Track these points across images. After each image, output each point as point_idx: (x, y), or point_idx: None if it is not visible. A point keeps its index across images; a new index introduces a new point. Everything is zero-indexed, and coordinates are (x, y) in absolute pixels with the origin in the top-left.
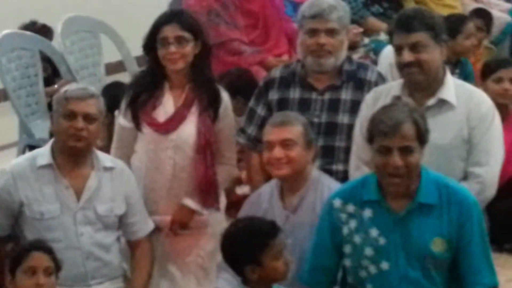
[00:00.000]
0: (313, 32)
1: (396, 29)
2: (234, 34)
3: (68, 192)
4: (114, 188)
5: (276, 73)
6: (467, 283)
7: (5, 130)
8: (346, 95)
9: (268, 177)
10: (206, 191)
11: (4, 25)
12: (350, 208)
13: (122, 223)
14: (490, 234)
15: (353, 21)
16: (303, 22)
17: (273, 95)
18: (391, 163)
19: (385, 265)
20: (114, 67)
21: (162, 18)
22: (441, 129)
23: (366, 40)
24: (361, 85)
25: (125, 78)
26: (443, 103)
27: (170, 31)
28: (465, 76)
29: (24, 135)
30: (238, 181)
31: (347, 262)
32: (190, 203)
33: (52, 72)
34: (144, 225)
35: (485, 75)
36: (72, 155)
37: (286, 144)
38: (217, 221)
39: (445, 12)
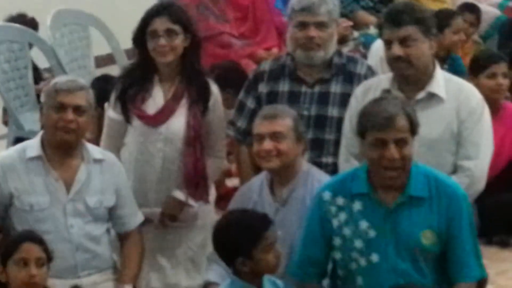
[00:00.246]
0: (303, 25)
1: (386, 23)
2: (224, 27)
3: (57, 184)
4: (104, 180)
5: (266, 66)
6: (456, 276)
7: None
8: (335, 88)
9: (257, 170)
10: (196, 183)
11: None
12: (340, 200)
13: (111, 215)
14: (480, 227)
15: (343, 15)
16: (293, 15)
17: (263, 88)
18: (388, 156)
19: (375, 258)
20: (104, 60)
21: (152, 11)
22: (431, 123)
23: (356, 34)
24: (351, 79)
25: (114, 71)
26: (432, 97)
27: (160, 23)
28: (455, 71)
29: (14, 127)
30: (228, 174)
31: (337, 255)
32: (180, 195)
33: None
34: (133, 217)
35: (475, 71)
36: (61, 147)
37: (276, 136)
38: (207, 214)
39: (435, 6)
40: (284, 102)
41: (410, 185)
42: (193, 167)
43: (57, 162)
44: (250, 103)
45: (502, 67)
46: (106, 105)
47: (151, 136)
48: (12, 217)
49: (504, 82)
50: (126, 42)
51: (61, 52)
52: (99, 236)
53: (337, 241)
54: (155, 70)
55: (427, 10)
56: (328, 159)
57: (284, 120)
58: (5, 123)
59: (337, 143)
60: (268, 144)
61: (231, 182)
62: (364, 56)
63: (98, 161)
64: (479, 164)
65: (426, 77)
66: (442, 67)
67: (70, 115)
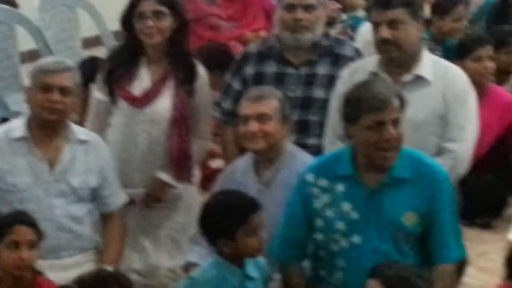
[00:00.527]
0: (291, 8)
1: (374, 6)
2: (212, 9)
3: (42, 164)
4: (88, 161)
5: (253, 48)
6: (436, 256)
7: None
8: (322, 70)
9: (242, 151)
10: (180, 164)
11: None
12: (323, 182)
13: (95, 195)
14: (462, 209)
15: None
16: None
17: (249, 70)
18: (387, 137)
19: (356, 239)
20: (92, 42)
21: None
22: (417, 105)
23: (344, 16)
24: (338, 61)
25: (102, 52)
26: (419, 79)
27: (148, 5)
28: (448, 55)
29: None
30: (212, 155)
31: (319, 236)
32: (164, 176)
33: None
34: (117, 198)
35: (462, 54)
36: (47, 128)
37: (261, 118)
38: (191, 195)
39: None
40: (270, 83)
41: (394, 166)
42: (178, 148)
43: (42, 143)
44: (236, 85)
45: (488, 50)
46: (92, 86)
47: (136, 117)
48: None
49: (490, 65)
50: (114, 23)
51: (48, 34)
52: (82, 217)
53: (319, 222)
54: (142, 51)
55: None
56: (313, 141)
57: (270, 101)
58: None
59: (322, 124)
60: (253, 126)
61: (216, 163)
62: (352, 39)
63: (83, 141)
64: (464, 147)
65: (413, 60)
66: (435, 50)
67: (56, 95)
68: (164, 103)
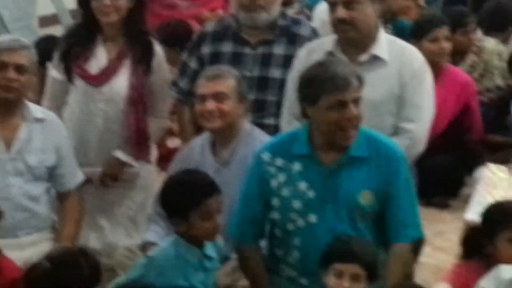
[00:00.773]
0: None
1: None
2: None
3: None
4: (44, 139)
5: (210, 27)
6: (393, 235)
7: None
8: (278, 49)
9: (199, 130)
10: (137, 143)
11: None
12: (279, 161)
13: (52, 174)
14: (419, 188)
15: None
16: None
17: (206, 49)
18: (349, 116)
19: (312, 218)
20: (48, 20)
21: None
22: (373, 85)
23: None
24: (294, 40)
25: (59, 31)
26: (375, 59)
27: None
28: (399, 35)
29: None
30: (170, 133)
31: (275, 215)
32: (121, 155)
33: None
34: (74, 177)
35: (418, 35)
36: (2, 106)
37: (218, 97)
38: (148, 173)
39: None
40: (227, 63)
41: (352, 145)
42: (135, 127)
43: None
44: (193, 64)
45: (444, 31)
46: (49, 64)
47: (93, 96)
48: None
49: (447, 45)
50: (71, 2)
51: (5, 12)
52: (38, 196)
53: (275, 201)
54: (99, 30)
55: None
56: (270, 121)
57: (227, 80)
58: None
59: (279, 104)
60: (210, 104)
61: (173, 142)
62: (309, 18)
63: (39, 120)
64: (420, 126)
65: (369, 40)
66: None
67: (11, 73)
68: (121, 82)
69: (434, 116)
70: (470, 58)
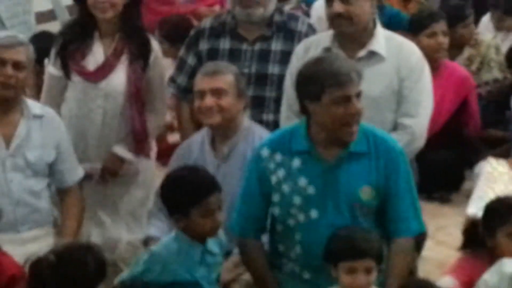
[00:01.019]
0: None
1: None
2: None
3: None
4: (44, 135)
5: (207, 23)
6: (394, 230)
7: None
8: (276, 46)
9: (198, 127)
10: (137, 139)
11: None
12: (278, 157)
13: (51, 170)
14: (420, 183)
15: None
16: None
17: (203, 45)
18: (353, 111)
19: (314, 213)
20: (45, 16)
21: None
22: (372, 81)
23: None
24: (291, 36)
25: (55, 27)
26: (373, 55)
27: None
28: (386, 21)
29: None
30: (171, 128)
31: (276, 211)
32: (120, 151)
33: None
34: (74, 173)
35: (416, 30)
36: (0, 103)
37: (217, 92)
38: (148, 169)
39: None
40: (224, 59)
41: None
42: (134, 122)
43: None
44: (191, 60)
45: (442, 26)
46: (45, 61)
47: (91, 92)
48: None
49: (444, 40)
50: None
51: (1, 8)
52: (39, 191)
53: (276, 197)
54: (96, 26)
55: None
56: (269, 117)
57: (226, 76)
58: None
59: (277, 100)
60: (209, 100)
61: (173, 138)
62: (307, 14)
63: (38, 116)
64: (419, 122)
65: (366, 35)
66: None
67: (9, 70)
68: (119, 78)
69: (433, 111)
70: (467, 51)
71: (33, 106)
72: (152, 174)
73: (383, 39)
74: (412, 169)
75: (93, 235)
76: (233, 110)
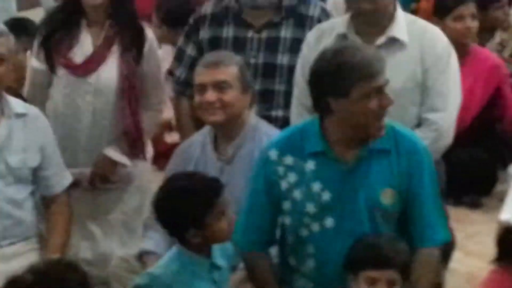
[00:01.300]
0: None
1: None
2: None
3: None
4: (27, 137)
5: (207, 9)
6: (419, 239)
7: None
8: (285, 33)
9: (200, 124)
10: (130, 140)
11: None
12: (289, 160)
13: (36, 176)
14: (447, 186)
15: None
16: None
17: (204, 34)
18: (386, 103)
19: (329, 222)
20: (28, 2)
21: None
22: (393, 71)
23: None
24: (302, 22)
25: (39, 14)
26: (394, 42)
27: None
28: None
29: None
30: (169, 127)
31: (286, 220)
32: (112, 153)
33: None
34: (61, 179)
35: (441, 13)
36: None
37: (220, 86)
38: (143, 173)
39: None
40: (228, 49)
41: None
42: (127, 121)
43: None
44: (191, 51)
45: (470, 8)
46: (28, 53)
47: (79, 87)
48: None
49: (473, 24)
50: None
51: None
52: (21, 200)
53: (286, 205)
54: (83, 13)
55: None
56: (278, 113)
57: (229, 67)
58: None
59: (288, 94)
60: (211, 95)
61: (171, 138)
62: None
63: (20, 115)
64: (446, 117)
65: (386, 20)
66: None
67: None
68: (110, 71)
69: (461, 104)
70: (500, 36)
71: (15, 103)
72: (147, 179)
73: (404, 24)
74: (439, 170)
75: (82, 250)
76: (237, 106)
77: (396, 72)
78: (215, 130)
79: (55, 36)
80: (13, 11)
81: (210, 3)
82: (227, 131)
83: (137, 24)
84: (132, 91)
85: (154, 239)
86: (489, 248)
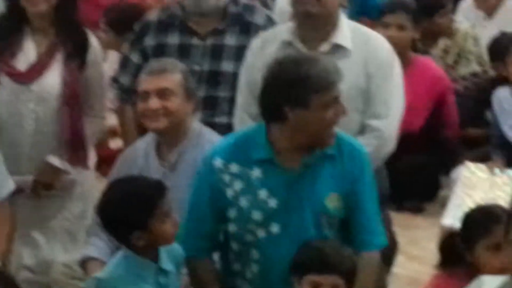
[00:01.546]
0: None
1: None
2: None
3: None
4: None
5: (153, 16)
6: (360, 243)
7: None
8: (230, 40)
9: (143, 131)
10: (73, 147)
11: None
12: (234, 167)
13: None
14: (390, 192)
15: None
16: None
17: (149, 41)
18: (341, 112)
19: (275, 228)
20: None
21: None
22: None
23: None
24: (248, 29)
25: None
26: (337, 49)
27: None
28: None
29: None
30: (113, 133)
31: (232, 227)
32: (55, 160)
33: None
34: (3, 186)
35: (376, 19)
36: None
37: (163, 94)
38: (86, 180)
39: None
40: (173, 56)
41: None
42: (70, 129)
43: None
44: (135, 58)
45: (398, 19)
46: None
47: (22, 95)
48: None
49: (398, 35)
50: None
51: None
52: None
53: (232, 213)
54: (26, 20)
55: None
56: (222, 119)
57: (172, 75)
58: None
59: (232, 101)
60: (154, 102)
61: (116, 144)
62: (265, 5)
63: None
64: (389, 124)
65: (330, 26)
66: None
67: None
68: (53, 79)
69: (405, 111)
70: (443, 42)
71: None
72: (91, 186)
73: (348, 31)
74: (381, 176)
75: (25, 257)
76: (181, 113)
77: None
78: (158, 137)
79: None
80: None
81: (156, 10)
82: (170, 138)
83: (81, 32)
84: (75, 98)
85: (97, 246)
86: (432, 252)
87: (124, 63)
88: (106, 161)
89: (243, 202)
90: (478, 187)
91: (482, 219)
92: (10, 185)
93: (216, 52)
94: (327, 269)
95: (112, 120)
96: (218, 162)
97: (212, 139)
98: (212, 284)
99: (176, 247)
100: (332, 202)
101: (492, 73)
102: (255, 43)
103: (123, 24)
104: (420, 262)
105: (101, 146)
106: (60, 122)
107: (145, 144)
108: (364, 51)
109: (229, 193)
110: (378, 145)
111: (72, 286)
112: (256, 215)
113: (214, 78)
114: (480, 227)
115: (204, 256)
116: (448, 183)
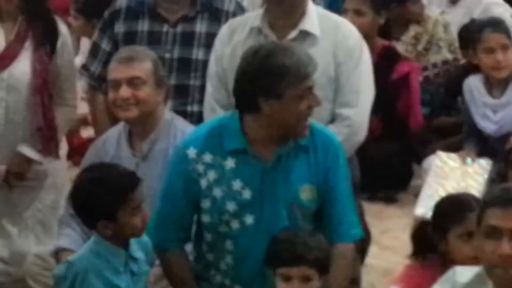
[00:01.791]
0: None
1: None
2: None
3: None
4: None
5: (122, 3)
6: (335, 234)
7: None
8: (201, 27)
9: (115, 120)
10: (44, 136)
11: None
12: (208, 157)
13: None
14: (362, 181)
15: None
16: None
17: (119, 28)
18: (314, 103)
19: (249, 219)
20: None
21: None
22: None
23: None
24: (218, 16)
25: None
26: (305, 36)
27: None
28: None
29: None
30: (84, 122)
31: (205, 218)
32: (26, 150)
33: None
34: None
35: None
36: None
37: (133, 82)
38: (58, 170)
39: None
40: (143, 43)
41: None
42: (41, 118)
43: None
44: (105, 45)
45: (355, 3)
46: None
47: None
48: None
49: (355, 20)
50: None
51: None
52: None
53: (206, 203)
54: None
55: None
56: (194, 108)
57: (143, 63)
58: None
59: (203, 89)
60: (125, 91)
61: (87, 133)
62: None
63: None
64: (360, 112)
65: (298, 14)
66: None
67: None
68: (22, 67)
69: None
70: (413, 29)
71: None
72: (63, 176)
73: (316, 18)
74: (353, 165)
75: None
76: (151, 102)
77: None
78: (129, 126)
79: None
80: None
81: None
82: (141, 127)
83: (50, 19)
84: (45, 87)
85: (70, 236)
86: (405, 242)
87: (94, 50)
88: (77, 150)
89: (217, 192)
90: (450, 176)
91: (454, 207)
92: None
93: (187, 39)
94: (295, 261)
95: (83, 108)
96: (191, 152)
97: (184, 129)
98: (185, 275)
99: (146, 238)
100: (306, 193)
101: (463, 60)
102: (224, 30)
103: (93, 10)
104: (393, 252)
105: (72, 135)
106: (31, 111)
107: (117, 133)
108: (333, 39)
109: (203, 183)
110: (349, 134)
111: (45, 277)
112: (230, 206)
113: (185, 66)
114: (452, 215)
115: (176, 247)
116: (420, 173)
